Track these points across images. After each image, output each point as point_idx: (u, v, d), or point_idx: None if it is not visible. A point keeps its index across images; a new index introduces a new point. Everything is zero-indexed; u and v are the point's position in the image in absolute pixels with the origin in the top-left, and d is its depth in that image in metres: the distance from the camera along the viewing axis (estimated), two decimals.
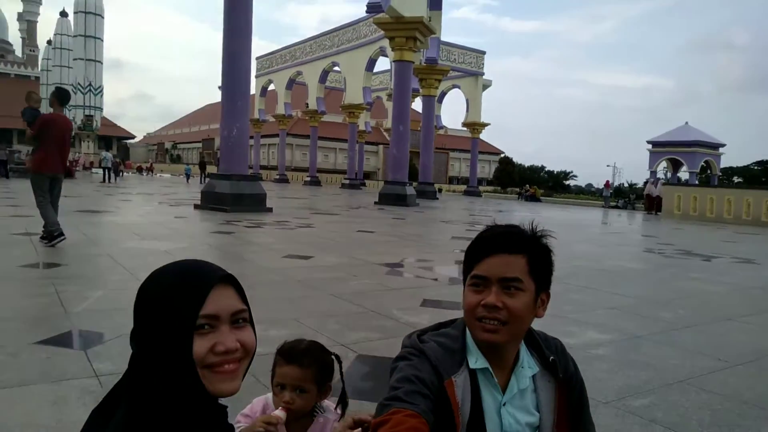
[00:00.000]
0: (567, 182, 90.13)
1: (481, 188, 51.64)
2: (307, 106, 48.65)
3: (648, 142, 40.23)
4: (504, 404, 1.36)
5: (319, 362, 1.62)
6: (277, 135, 56.19)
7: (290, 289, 5.44)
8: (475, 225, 15.38)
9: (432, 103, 33.84)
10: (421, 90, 33.04)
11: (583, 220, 21.46)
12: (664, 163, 41.10)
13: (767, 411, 2.98)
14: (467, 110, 47.28)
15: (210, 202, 14.74)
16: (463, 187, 52.29)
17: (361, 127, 50.02)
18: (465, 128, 49.95)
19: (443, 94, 46.99)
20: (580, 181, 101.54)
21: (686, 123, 40.56)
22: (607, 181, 43.26)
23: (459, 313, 4.53)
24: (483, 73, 47.21)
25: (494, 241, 1.37)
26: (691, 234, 16.23)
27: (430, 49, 30.08)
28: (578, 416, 1.44)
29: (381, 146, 70.75)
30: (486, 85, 48.24)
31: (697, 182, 38.80)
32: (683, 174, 41.59)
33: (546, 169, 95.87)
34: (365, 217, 16.02)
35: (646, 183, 48.36)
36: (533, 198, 42.04)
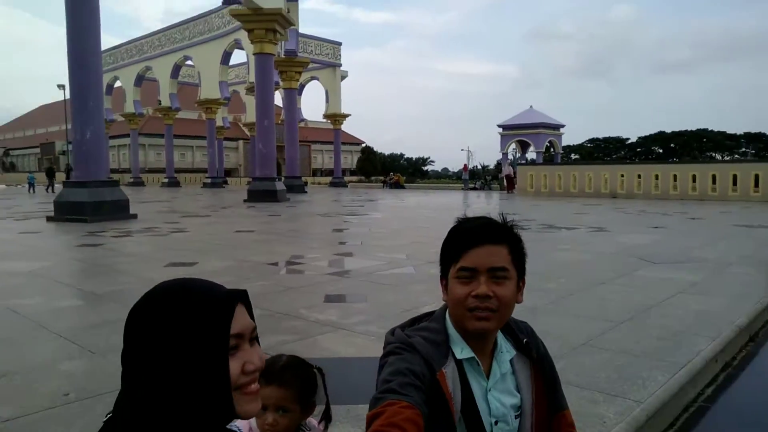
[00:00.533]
0: (425, 168, 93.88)
1: (345, 179, 52.14)
2: (160, 103, 45.98)
3: (498, 125, 43.00)
4: (489, 390, 1.43)
5: (301, 378, 1.51)
6: (127, 135, 52.74)
7: None
8: (353, 216, 15.56)
9: (294, 96, 33.50)
10: (281, 83, 32.57)
11: (450, 203, 22.49)
12: (513, 145, 44.17)
13: (656, 360, 3.38)
14: (327, 102, 47.39)
15: (65, 212, 13.50)
16: (329, 179, 52.47)
17: (219, 123, 48.27)
18: (326, 120, 50.04)
19: (302, 87, 46.70)
20: (437, 166, 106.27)
21: (531, 107, 43.86)
22: (465, 165, 45.62)
23: (365, 307, 4.61)
24: (340, 65, 47.54)
25: (478, 232, 1.41)
26: (547, 209, 17.64)
27: (290, 41, 29.76)
28: (553, 393, 1.54)
29: (241, 142, 68.89)
30: (343, 76, 48.67)
31: (542, 161, 42.15)
32: (531, 154, 44.99)
33: (405, 157, 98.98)
34: (239, 217, 15.58)
35: (498, 164, 51.67)
36: (398, 185, 43.24)
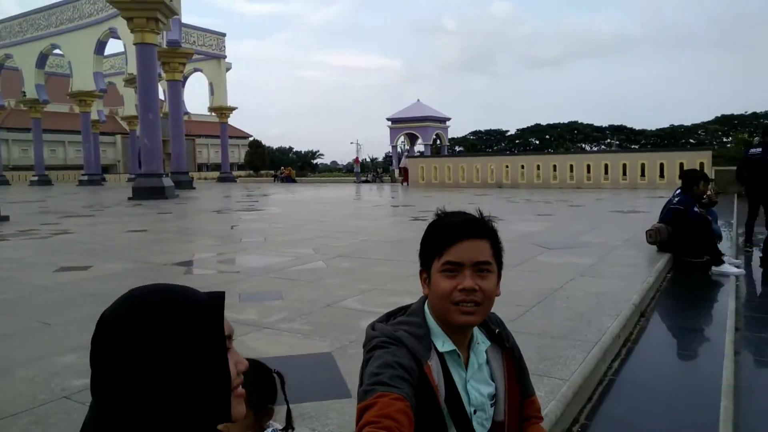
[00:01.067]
0: (315, 161, 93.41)
1: (234, 173, 50.72)
2: (24, 95, 42.22)
3: (387, 119, 43.71)
4: (468, 381, 1.48)
5: (253, 384, 1.38)
6: None
7: (86, 305, 4.82)
8: (249, 212, 15.19)
9: (178, 88, 32.04)
10: (164, 75, 31.00)
11: (345, 196, 22.59)
12: (402, 138, 45.12)
13: (572, 340, 3.63)
14: (212, 94, 45.86)
15: None
16: (216, 174, 50.80)
17: (95, 117, 45.09)
18: (210, 113, 48.39)
19: (185, 79, 44.76)
20: (326, 159, 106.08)
21: (418, 100, 45.00)
22: (357, 158, 45.98)
23: (284, 304, 4.53)
24: (225, 56, 46.15)
25: (463, 227, 1.45)
26: (441, 199, 18.20)
27: (172, 30, 28.38)
28: (522, 380, 1.62)
29: (119, 136, 64.84)
30: (228, 68, 47.25)
31: (430, 153, 43.45)
32: (419, 147, 46.21)
33: (294, 150, 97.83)
34: (127, 216, 14.69)
35: (387, 157, 52.40)
36: (289, 179, 42.75)
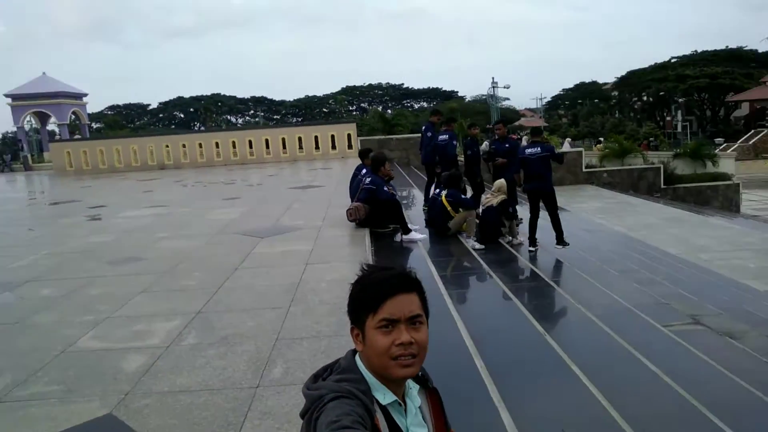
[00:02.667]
0: None
1: None
2: None
3: (6, 95, 36.99)
4: (408, 427, 1.56)
5: None
6: None
7: None
8: None
9: None
10: None
11: None
12: (29, 116, 38.90)
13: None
14: None
15: None
16: None
17: None
18: None
19: None
20: None
21: (44, 73, 39.15)
22: None
23: None
24: None
25: (393, 283, 1.47)
26: (103, 190, 16.43)
27: None
28: (445, 417, 1.73)
29: None
30: None
31: (69, 134, 38.59)
32: (52, 126, 40.53)
33: None
34: None
35: (10, 139, 44.31)
36: None
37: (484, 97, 79.32)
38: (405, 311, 1.44)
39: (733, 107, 63.64)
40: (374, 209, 7.77)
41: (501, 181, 8.85)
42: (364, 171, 8.57)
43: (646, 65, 70.61)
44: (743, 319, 6.30)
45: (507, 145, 9.64)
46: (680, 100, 61.20)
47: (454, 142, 10.16)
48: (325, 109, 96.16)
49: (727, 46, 67.21)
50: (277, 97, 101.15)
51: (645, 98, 71.72)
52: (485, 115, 52.32)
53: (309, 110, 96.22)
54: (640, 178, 21.49)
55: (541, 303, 5.88)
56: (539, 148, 8.30)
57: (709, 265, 9.90)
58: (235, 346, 3.82)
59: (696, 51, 68.72)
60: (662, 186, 21.28)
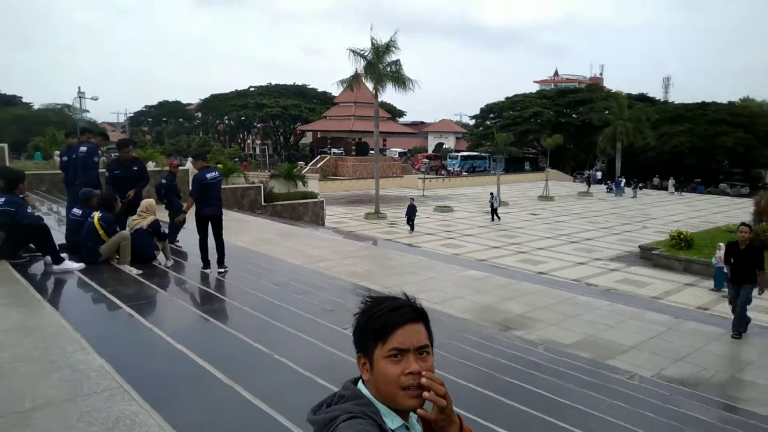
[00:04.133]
0: None
1: None
2: None
3: None
4: None
5: None
6: None
7: None
8: None
9: None
10: None
11: None
12: None
13: None
14: None
15: None
16: None
17: None
18: None
19: None
20: None
21: None
22: None
23: None
24: None
25: (402, 313, 1.55)
26: None
27: None
28: None
29: None
30: None
31: None
32: None
33: None
34: None
35: None
36: None
37: (59, 106, 71.44)
38: (414, 341, 1.49)
39: (301, 135, 72.83)
40: (12, 234, 6.51)
41: (150, 201, 8.46)
42: None
43: (227, 90, 74.65)
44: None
45: (135, 168, 8.82)
46: (258, 125, 66.97)
47: (96, 159, 9.07)
48: None
49: (294, 83, 75.88)
50: None
51: (228, 121, 75.88)
52: (62, 126, 46.92)
53: None
54: (244, 196, 22.79)
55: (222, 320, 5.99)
56: (216, 173, 8.13)
57: (329, 272, 11.38)
58: None
59: (270, 83, 75.34)
60: (263, 203, 22.99)
